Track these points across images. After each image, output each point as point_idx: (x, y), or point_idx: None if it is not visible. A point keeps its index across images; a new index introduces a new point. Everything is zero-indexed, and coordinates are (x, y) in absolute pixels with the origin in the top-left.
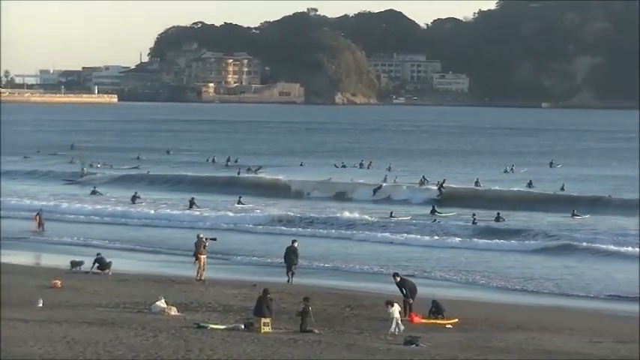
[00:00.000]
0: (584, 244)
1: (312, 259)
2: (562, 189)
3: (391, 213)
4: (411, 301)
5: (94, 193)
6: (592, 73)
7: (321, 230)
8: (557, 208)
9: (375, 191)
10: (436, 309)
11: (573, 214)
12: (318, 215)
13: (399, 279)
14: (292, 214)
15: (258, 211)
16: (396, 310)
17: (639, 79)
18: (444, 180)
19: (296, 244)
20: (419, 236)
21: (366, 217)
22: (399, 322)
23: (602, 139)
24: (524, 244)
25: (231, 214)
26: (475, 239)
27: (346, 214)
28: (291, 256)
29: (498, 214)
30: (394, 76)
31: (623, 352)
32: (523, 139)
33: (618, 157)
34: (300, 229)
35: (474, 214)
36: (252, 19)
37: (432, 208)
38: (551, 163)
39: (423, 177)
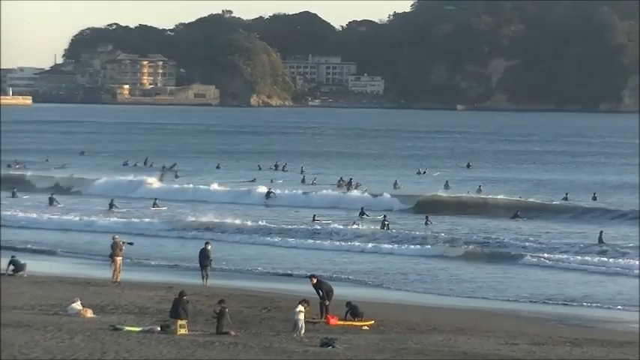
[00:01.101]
0: (508, 249)
1: (235, 262)
2: (479, 189)
3: (314, 216)
4: (327, 302)
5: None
6: (507, 75)
7: (255, 236)
8: (488, 213)
9: (268, 195)
10: (352, 311)
11: (516, 216)
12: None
13: (315, 281)
14: (217, 220)
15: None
16: (301, 312)
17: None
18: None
19: (209, 247)
20: (337, 242)
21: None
22: (302, 324)
23: (516, 142)
24: (436, 248)
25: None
26: (393, 245)
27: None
28: (204, 258)
29: (427, 217)
30: (309, 78)
31: (539, 354)
32: (437, 141)
33: (533, 160)
34: (219, 233)
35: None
36: (167, 20)
37: (360, 210)
38: (468, 165)
39: (341, 178)
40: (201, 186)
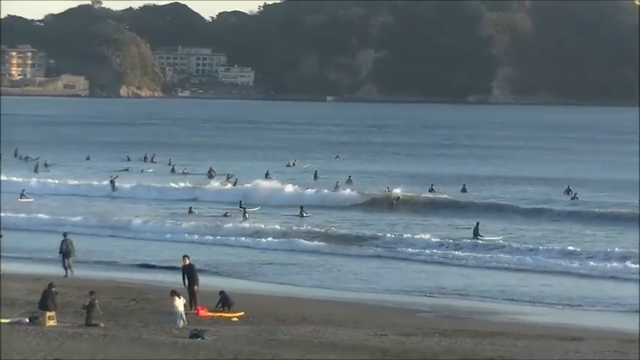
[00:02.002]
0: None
1: (95, 254)
2: (349, 180)
3: (190, 208)
4: (196, 288)
5: None
6: (376, 67)
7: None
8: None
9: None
10: (223, 300)
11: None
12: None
13: (188, 262)
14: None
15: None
16: (180, 303)
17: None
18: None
19: (69, 237)
20: (196, 236)
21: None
22: (183, 315)
23: (388, 134)
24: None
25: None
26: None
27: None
28: (66, 249)
29: (301, 208)
30: (179, 69)
31: (408, 345)
32: (307, 133)
33: (405, 152)
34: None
35: None
36: (36, 11)
37: (239, 203)
38: (337, 157)
39: (211, 169)
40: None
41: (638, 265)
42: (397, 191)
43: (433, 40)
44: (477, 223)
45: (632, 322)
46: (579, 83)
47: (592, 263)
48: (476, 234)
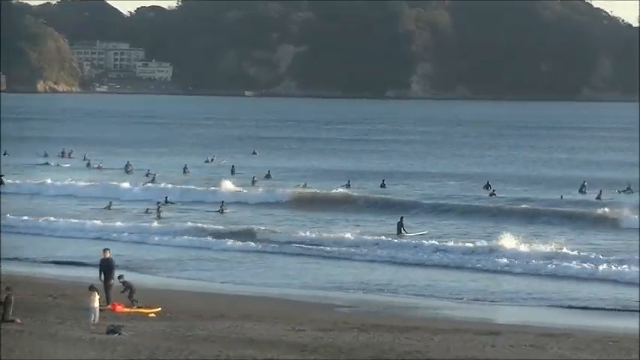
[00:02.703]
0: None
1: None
2: (268, 175)
3: (110, 203)
4: (112, 282)
5: None
6: (296, 62)
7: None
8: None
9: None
10: (127, 288)
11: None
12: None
13: (108, 255)
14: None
15: None
16: (95, 299)
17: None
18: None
19: None
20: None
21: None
22: (97, 311)
23: (306, 129)
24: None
25: None
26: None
27: None
28: None
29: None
30: (97, 65)
31: (326, 340)
32: (225, 128)
33: (323, 148)
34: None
35: None
36: None
37: (165, 199)
38: (253, 152)
39: (128, 163)
40: None
41: (556, 264)
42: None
43: (352, 36)
44: (401, 218)
45: (548, 316)
46: (497, 78)
47: (516, 261)
48: (400, 229)
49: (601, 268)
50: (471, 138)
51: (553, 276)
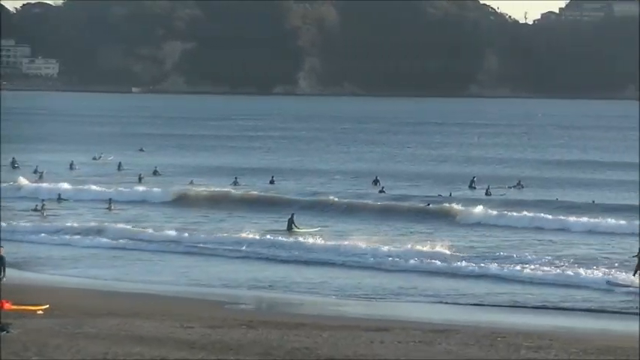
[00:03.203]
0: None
1: None
2: (155, 171)
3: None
4: (4, 278)
5: None
6: (183, 59)
7: None
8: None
9: None
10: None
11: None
12: None
13: (1, 252)
14: None
15: None
16: None
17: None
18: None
19: None
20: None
21: None
22: None
23: (193, 126)
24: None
25: None
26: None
27: None
28: None
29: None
30: None
31: (214, 337)
32: (112, 125)
33: (211, 144)
34: None
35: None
36: None
37: (58, 196)
38: (140, 149)
39: (14, 159)
40: None
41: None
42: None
43: (239, 32)
44: (292, 215)
45: (437, 312)
46: (384, 75)
47: (396, 259)
48: (290, 226)
49: (464, 264)
50: (360, 134)
51: (439, 273)
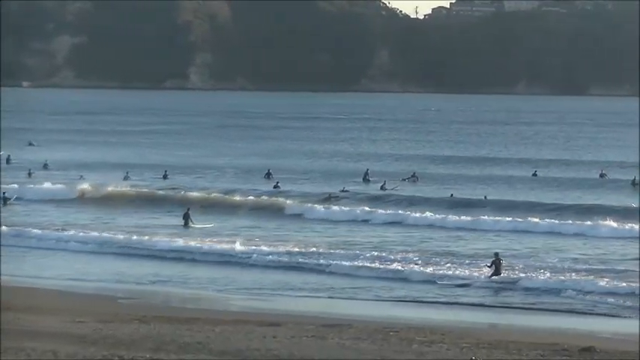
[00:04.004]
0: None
1: None
2: (45, 165)
3: None
4: None
5: None
6: (73, 53)
7: None
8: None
9: None
10: None
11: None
12: None
13: None
14: None
15: None
16: None
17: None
18: None
19: None
20: None
21: None
22: None
23: (82, 120)
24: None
25: None
26: None
27: None
28: None
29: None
30: None
31: (106, 331)
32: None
33: (103, 139)
34: None
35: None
36: None
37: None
38: (29, 143)
39: None
40: None
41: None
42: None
43: (130, 27)
44: (188, 209)
45: (330, 307)
46: (277, 70)
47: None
48: (187, 221)
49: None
50: (251, 130)
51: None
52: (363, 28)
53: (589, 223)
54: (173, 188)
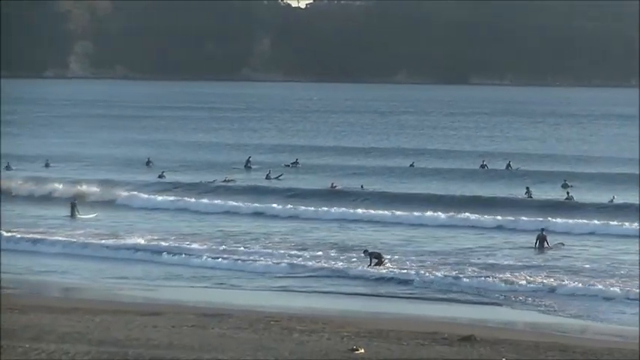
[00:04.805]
0: None
1: None
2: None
3: None
4: None
5: None
6: None
7: None
8: None
9: None
10: None
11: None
12: None
13: None
14: None
15: None
16: None
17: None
18: None
19: None
20: None
21: None
22: None
23: None
24: None
25: None
26: None
27: None
28: None
29: None
30: None
31: None
32: None
33: None
34: None
35: None
36: None
37: None
38: None
39: None
40: None
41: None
42: None
43: (9, 14)
44: (74, 200)
45: (211, 296)
46: (157, 58)
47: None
48: (73, 211)
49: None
50: (127, 120)
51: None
52: (246, 17)
53: (467, 215)
54: (59, 178)
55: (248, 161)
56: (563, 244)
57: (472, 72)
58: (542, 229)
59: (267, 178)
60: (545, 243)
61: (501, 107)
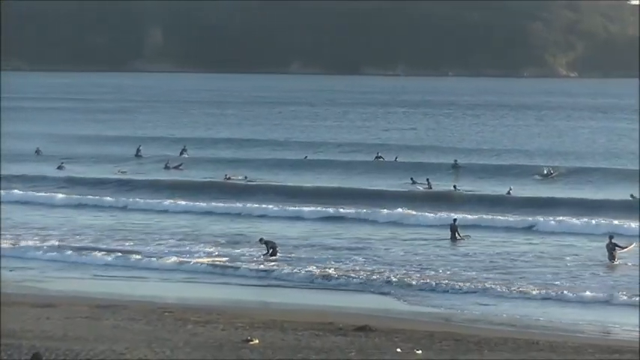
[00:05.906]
0: None
1: None
2: None
3: None
4: None
5: None
6: None
7: None
8: None
9: None
10: None
11: None
12: None
13: None
14: None
15: None
16: None
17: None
18: None
19: None
20: None
21: None
22: None
23: None
24: None
25: None
26: None
27: None
28: None
29: None
30: None
31: None
32: None
33: None
34: None
35: None
36: None
37: None
38: None
39: None
40: None
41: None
42: None
43: None
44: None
45: (104, 287)
46: (50, 49)
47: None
48: None
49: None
50: (27, 112)
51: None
52: (136, 8)
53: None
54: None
55: (138, 150)
56: (469, 236)
57: (364, 62)
58: (455, 220)
59: (166, 167)
60: (457, 234)
61: (389, 98)
